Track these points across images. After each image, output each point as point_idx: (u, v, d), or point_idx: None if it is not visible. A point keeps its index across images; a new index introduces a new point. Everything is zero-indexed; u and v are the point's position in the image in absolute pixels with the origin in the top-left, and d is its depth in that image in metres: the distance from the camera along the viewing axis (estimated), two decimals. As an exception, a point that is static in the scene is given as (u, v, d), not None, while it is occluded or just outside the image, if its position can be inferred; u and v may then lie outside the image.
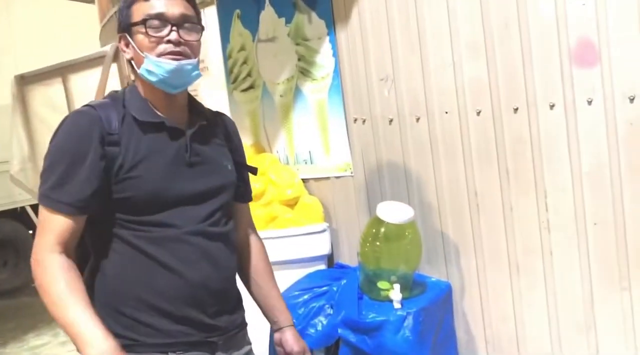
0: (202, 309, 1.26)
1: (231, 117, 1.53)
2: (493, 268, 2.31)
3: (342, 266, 2.68)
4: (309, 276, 2.53)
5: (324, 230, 2.68)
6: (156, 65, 1.22)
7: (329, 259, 2.77)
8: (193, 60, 1.26)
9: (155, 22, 1.22)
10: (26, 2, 6.62)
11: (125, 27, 1.27)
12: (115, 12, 3.93)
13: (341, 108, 2.64)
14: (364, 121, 2.59)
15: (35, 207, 6.32)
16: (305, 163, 2.83)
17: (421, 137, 2.41)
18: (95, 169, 1.18)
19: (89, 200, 1.18)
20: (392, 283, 2.19)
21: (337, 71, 2.62)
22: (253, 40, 2.89)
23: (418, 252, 2.30)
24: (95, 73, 3.89)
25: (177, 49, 1.23)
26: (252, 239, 1.52)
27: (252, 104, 2.99)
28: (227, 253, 1.32)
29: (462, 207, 2.34)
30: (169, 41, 1.22)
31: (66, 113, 4.48)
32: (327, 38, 2.62)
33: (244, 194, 1.47)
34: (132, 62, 1.28)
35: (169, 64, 1.22)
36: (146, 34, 1.22)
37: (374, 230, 2.27)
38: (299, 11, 2.69)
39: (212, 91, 3.15)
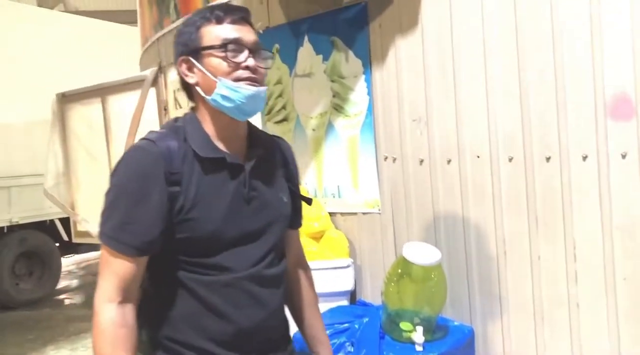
0: (246, 352, 1.25)
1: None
2: (517, 316, 2.28)
3: (364, 303, 2.67)
4: (331, 311, 2.53)
5: (348, 266, 2.68)
6: (233, 91, 1.20)
7: (352, 295, 2.76)
8: (266, 89, 1.25)
9: (234, 47, 1.20)
10: (68, 22, 6.88)
11: (192, 50, 1.23)
12: (170, 34, 4.03)
13: (372, 145, 2.68)
14: (394, 160, 2.61)
15: (63, 221, 6.43)
16: (333, 197, 2.86)
17: (451, 179, 2.42)
18: (160, 210, 1.16)
19: (155, 241, 1.17)
20: (414, 325, 2.17)
21: (371, 109, 2.66)
22: (290, 75, 2.96)
23: (443, 295, 2.28)
24: (134, 96, 4.02)
25: (254, 75, 1.22)
26: (301, 268, 1.51)
27: (284, 136, 3.01)
28: (278, 296, 1.31)
29: (489, 253, 2.33)
30: (246, 67, 1.21)
31: (102, 132, 4.59)
32: (363, 77, 2.67)
33: (294, 222, 1.45)
34: (198, 87, 1.24)
35: (248, 89, 1.20)
36: (225, 58, 1.20)
37: (399, 271, 2.27)
38: (337, 49, 2.75)
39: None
